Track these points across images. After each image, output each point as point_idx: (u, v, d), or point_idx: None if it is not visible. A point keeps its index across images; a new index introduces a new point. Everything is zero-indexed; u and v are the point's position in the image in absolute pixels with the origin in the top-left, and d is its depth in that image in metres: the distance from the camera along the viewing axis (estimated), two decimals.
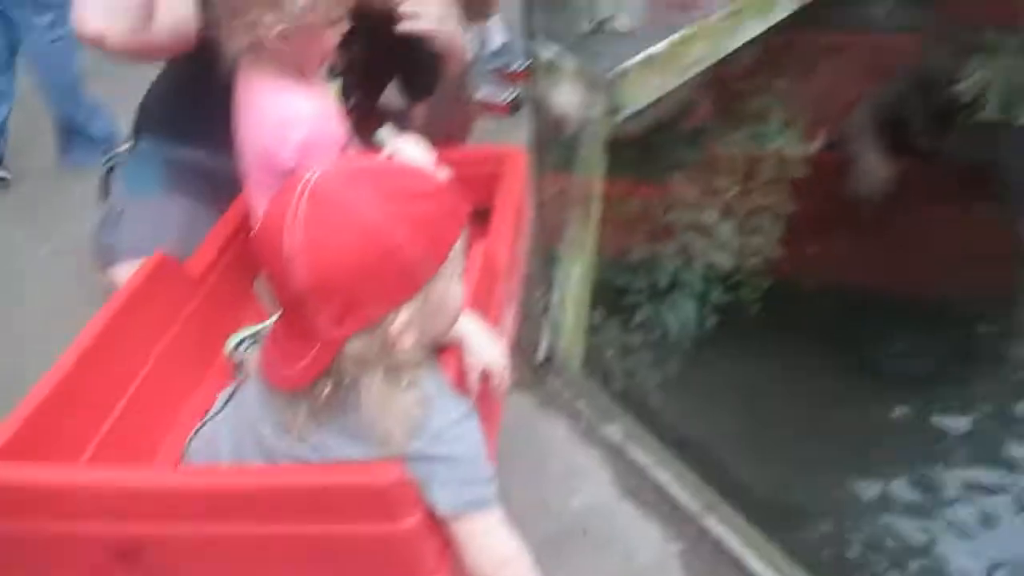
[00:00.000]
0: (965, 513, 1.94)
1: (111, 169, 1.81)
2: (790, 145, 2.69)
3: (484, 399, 1.24)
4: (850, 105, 2.55)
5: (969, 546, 1.88)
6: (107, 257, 1.62)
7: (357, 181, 0.90)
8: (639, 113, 2.43)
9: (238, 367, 1.59)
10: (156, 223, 1.67)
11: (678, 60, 2.28)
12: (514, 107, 3.11)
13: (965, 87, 2.27)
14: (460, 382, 1.20)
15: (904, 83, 2.40)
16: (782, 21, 2.37)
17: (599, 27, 2.86)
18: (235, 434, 1.09)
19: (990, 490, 1.99)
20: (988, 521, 1.93)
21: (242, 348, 1.60)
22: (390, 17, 1.65)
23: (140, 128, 1.87)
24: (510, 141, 2.85)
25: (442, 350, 1.13)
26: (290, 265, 0.87)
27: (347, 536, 0.98)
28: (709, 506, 1.70)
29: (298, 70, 1.46)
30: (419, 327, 0.94)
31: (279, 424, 1.01)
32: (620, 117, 2.24)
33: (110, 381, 1.39)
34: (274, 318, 1.60)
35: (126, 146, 1.89)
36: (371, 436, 0.97)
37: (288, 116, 1.41)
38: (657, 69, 2.24)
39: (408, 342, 0.93)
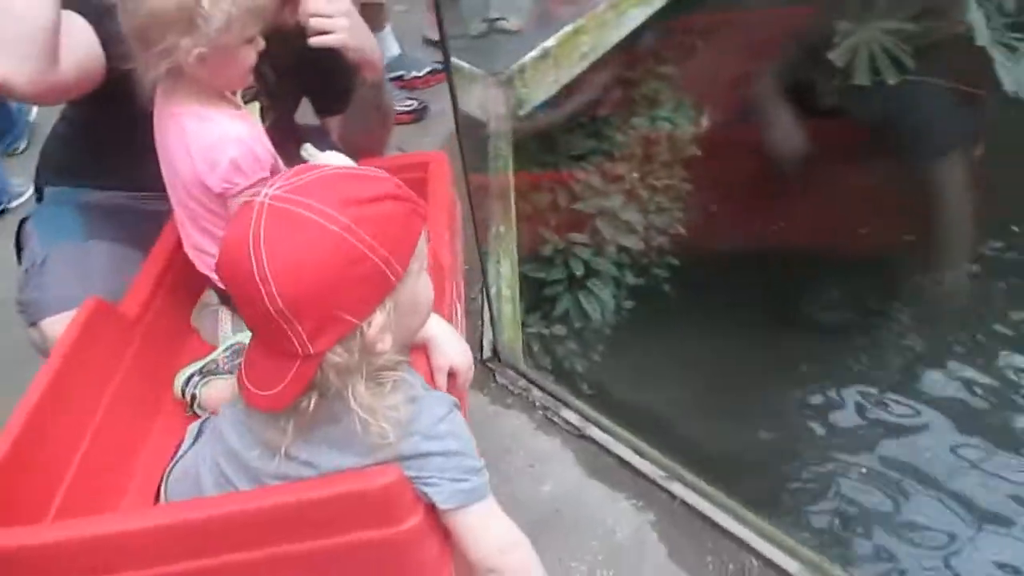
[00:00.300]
0: (898, 449, 2.05)
1: (23, 222, 1.73)
2: (694, 122, 2.79)
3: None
4: (747, 78, 2.66)
5: (905, 481, 1.99)
6: (35, 312, 1.55)
7: (310, 194, 0.90)
8: (548, 109, 2.49)
9: (191, 403, 1.56)
10: (80, 269, 1.61)
11: (570, 52, 2.35)
12: (416, 115, 3.13)
13: (837, 54, 2.39)
14: (429, 382, 1.22)
15: (793, 52, 2.52)
16: (667, 8, 2.46)
17: (490, 27, 2.93)
18: (217, 466, 1.07)
19: (920, 427, 2.11)
20: (919, 455, 2.05)
21: (192, 384, 1.56)
22: (300, 33, 1.64)
23: (45, 177, 1.80)
24: (418, 147, 2.88)
25: (410, 351, 1.14)
26: (263, 288, 0.86)
27: (353, 545, 0.98)
28: (672, 473, 1.76)
29: (219, 93, 1.44)
30: (395, 328, 0.95)
31: (265, 446, 0.99)
32: (523, 112, 2.30)
33: (63, 438, 1.33)
34: (222, 350, 1.60)
35: (30, 196, 1.82)
36: (362, 444, 0.97)
37: (215, 139, 1.39)
38: (552, 63, 2.30)
39: (386, 344, 0.94)
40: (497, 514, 1.06)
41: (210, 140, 1.39)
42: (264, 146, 1.46)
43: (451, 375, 1.26)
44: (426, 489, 1.00)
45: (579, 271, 2.51)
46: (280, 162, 1.56)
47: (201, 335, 1.72)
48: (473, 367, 1.29)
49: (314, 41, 1.63)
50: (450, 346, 1.23)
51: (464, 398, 1.37)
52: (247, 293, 0.89)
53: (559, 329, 2.46)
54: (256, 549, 0.96)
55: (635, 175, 2.72)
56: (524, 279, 2.20)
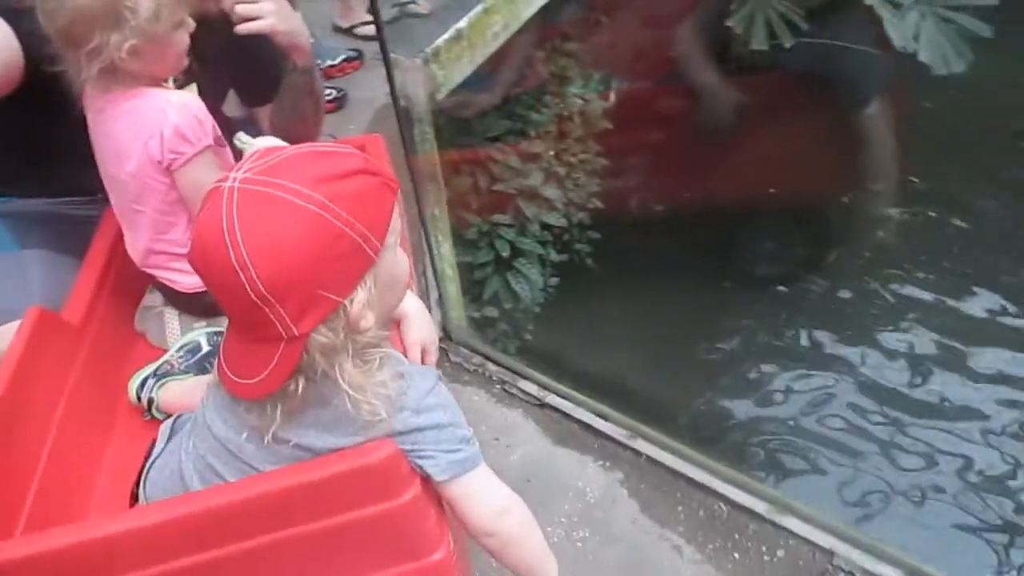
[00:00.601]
0: (842, 387, 2.14)
1: None
2: (609, 93, 2.83)
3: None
4: (663, 43, 2.70)
5: (846, 416, 2.09)
6: None
7: (281, 174, 0.88)
8: (468, 90, 2.50)
9: (148, 407, 1.51)
10: (15, 280, 1.54)
11: (483, 32, 2.35)
12: (337, 104, 3.09)
13: (735, 21, 2.46)
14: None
15: (711, 11, 2.57)
16: None
17: (401, 12, 2.91)
18: (203, 459, 1.04)
19: (859, 369, 2.20)
20: (860, 394, 2.14)
21: (147, 388, 1.52)
22: (225, 22, 1.60)
23: None
24: (343, 134, 2.84)
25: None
26: (243, 274, 0.84)
27: (353, 523, 0.98)
28: (635, 432, 1.80)
29: (155, 81, 1.40)
30: (376, 304, 0.94)
31: (254, 433, 0.98)
32: (441, 95, 2.29)
33: (21, 452, 1.28)
34: (175, 351, 1.56)
35: None
36: (352, 423, 0.96)
37: (157, 108, 1.36)
38: (466, 43, 2.30)
39: (369, 321, 0.93)
40: (491, 479, 1.07)
41: (151, 111, 1.36)
42: (206, 113, 1.43)
43: (424, 352, 1.26)
44: (421, 462, 1.00)
45: (505, 252, 2.52)
46: (226, 146, 1.54)
47: (148, 339, 1.67)
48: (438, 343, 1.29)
49: (241, 28, 1.59)
50: (422, 322, 1.23)
51: None
52: (225, 281, 0.86)
53: (490, 311, 2.47)
54: (256, 537, 0.95)
55: (552, 152, 2.75)
56: (456, 262, 2.21)
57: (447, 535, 1.06)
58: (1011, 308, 2.29)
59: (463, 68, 2.36)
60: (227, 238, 0.84)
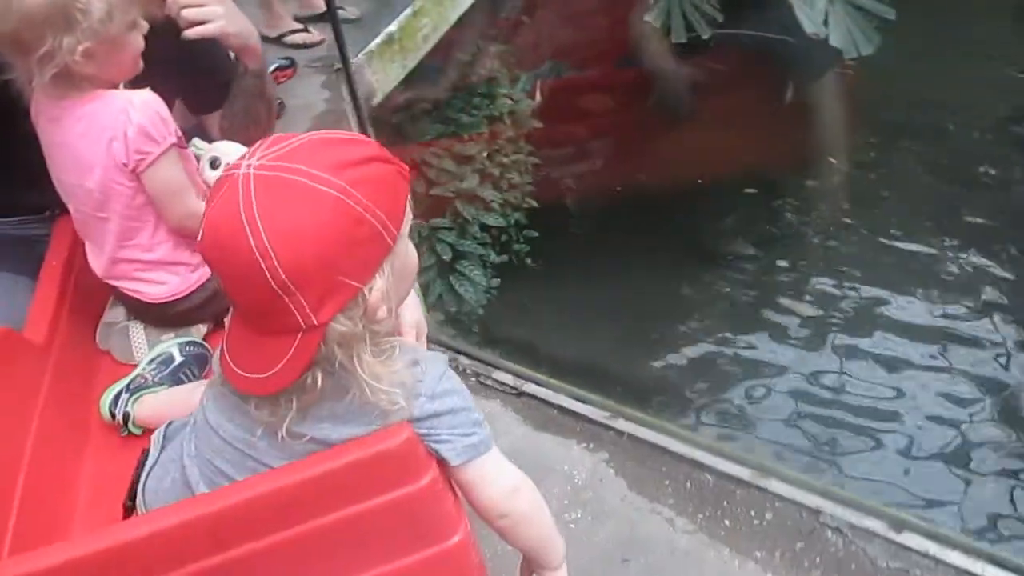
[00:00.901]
0: (811, 355, 2.19)
1: None
2: (540, 85, 2.85)
3: None
4: (601, 29, 2.74)
5: (820, 383, 2.14)
6: None
7: (298, 159, 0.85)
8: (404, 92, 2.49)
9: (124, 423, 1.46)
10: None
11: (413, 35, 2.36)
12: (278, 110, 3.02)
13: (654, 16, 2.52)
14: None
15: None
16: None
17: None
18: (210, 464, 1.00)
19: (823, 336, 2.26)
20: (829, 360, 2.20)
21: (121, 403, 1.47)
22: (171, 28, 1.56)
23: None
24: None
25: None
26: (263, 262, 0.82)
27: (372, 511, 0.96)
28: (614, 412, 1.81)
29: (110, 84, 1.36)
30: (392, 292, 0.92)
31: (267, 429, 0.95)
32: (376, 101, 2.28)
33: None
34: (146, 364, 1.51)
35: None
36: (368, 414, 0.94)
37: (118, 108, 1.32)
38: (397, 47, 2.30)
39: (386, 310, 0.91)
40: (503, 461, 1.07)
41: (112, 113, 1.33)
42: (168, 111, 1.39)
43: (417, 335, 1.25)
44: (437, 447, 0.99)
45: (447, 255, 2.52)
46: (187, 147, 1.50)
47: (114, 355, 1.61)
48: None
49: (190, 33, 1.55)
50: (414, 305, 1.22)
51: None
52: (243, 270, 0.83)
53: (436, 315, 2.47)
54: (276, 533, 0.92)
55: (483, 151, 2.76)
56: None
57: (464, 518, 1.05)
58: (952, 264, 2.40)
59: (396, 72, 2.36)
60: (246, 224, 0.82)
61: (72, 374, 1.51)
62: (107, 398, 1.47)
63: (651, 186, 2.54)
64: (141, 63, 1.39)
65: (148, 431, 1.41)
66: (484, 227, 2.62)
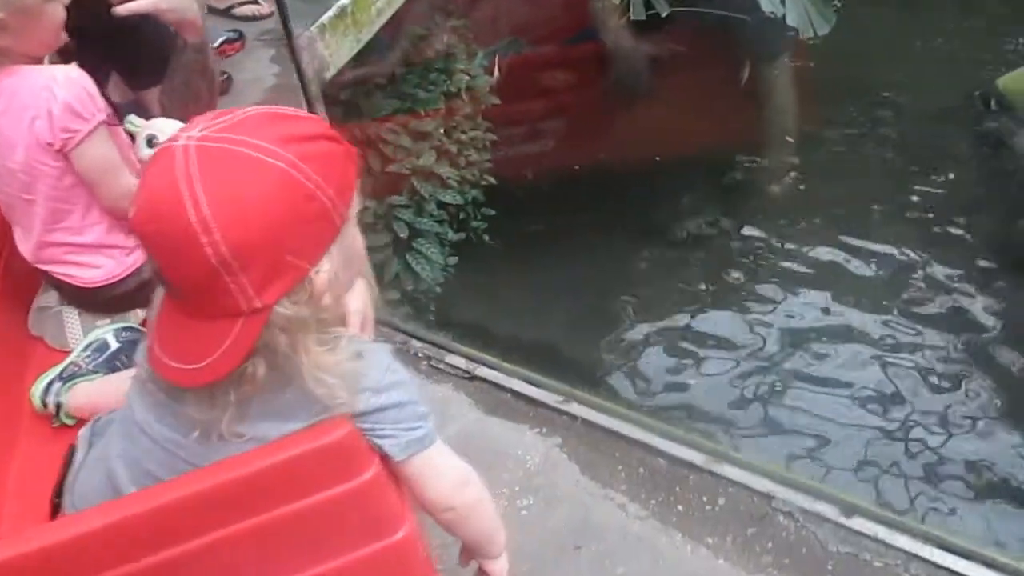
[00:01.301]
0: (768, 340, 2.18)
1: None
2: (500, 61, 2.80)
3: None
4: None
5: (774, 368, 2.13)
6: None
7: (243, 131, 0.80)
8: (356, 68, 2.42)
9: (56, 413, 1.40)
10: None
11: (367, 8, 2.29)
12: (223, 86, 2.93)
13: None
14: None
15: None
16: None
17: None
18: (136, 465, 0.94)
19: (787, 322, 2.25)
20: (789, 345, 2.19)
21: (53, 392, 1.41)
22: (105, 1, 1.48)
23: None
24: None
25: None
26: (204, 237, 0.76)
27: (313, 507, 0.92)
28: (567, 396, 1.79)
29: (30, 59, 1.29)
30: (340, 277, 0.87)
31: (200, 429, 0.89)
32: (329, 74, 2.22)
33: None
34: (80, 351, 1.45)
35: None
36: (308, 409, 0.89)
37: (41, 85, 1.26)
38: (350, 21, 2.24)
39: (332, 296, 0.86)
40: (448, 454, 1.04)
41: (34, 89, 1.26)
42: (95, 87, 1.33)
43: (364, 322, 1.21)
44: (380, 442, 0.95)
45: (403, 233, 2.48)
46: (118, 124, 1.43)
47: (47, 341, 1.55)
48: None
49: (120, 9, 1.47)
50: (361, 291, 1.18)
51: None
52: (181, 245, 0.77)
53: (392, 294, 2.43)
54: (213, 531, 0.88)
55: (440, 127, 2.71)
56: None
57: (409, 512, 1.02)
58: (907, 248, 2.42)
59: (349, 46, 2.29)
60: (186, 196, 0.76)
61: (1, 362, 1.45)
62: (38, 387, 1.41)
63: (609, 164, 2.51)
64: (64, 35, 1.32)
65: (81, 421, 1.36)
66: (441, 204, 2.58)
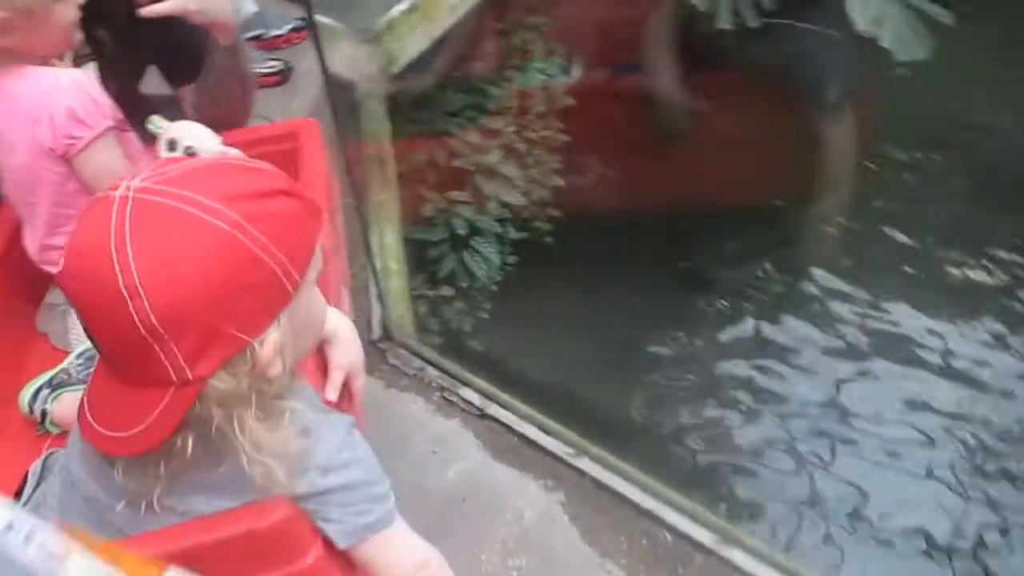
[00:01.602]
0: (809, 415, 2.01)
1: None
2: (570, 71, 2.70)
3: (347, 399, 1.14)
4: (630, 23, 2.58)
5: (816, 449, 1.96)
6: None
7: (188, 185, 0.73)
8: (421, 65, 2.36)
9: (41, 420, 1.37)
10: None
11: (439, 3, 2.21)
12: (282, 77, 2.91)
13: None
14: (318, 379, 1.09)
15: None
16: None
17: None
18: (71, 518, 0.89)
19: (832, 390, 2.07)
20: (831, 419, 2.02)
21: (41, 399, 1.38)
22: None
23: None
24: (285, 112, 2.68)
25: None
26: (131, 302, 0.70)
27: None
28: (580, 449, 1.70)
29: (40, 59, 1.25)
30: (289, 348, 0.80)
31: (129, 497, 0.83)
32: (394, 69, 2.15)
33: None
34: (73, 358, 1.42)
35: None
36: (247, 485, 0.82)
37: (46, 90, 1.21)
38: (420, 15, 2.16)
39: (279, 368, 0.79)
40: (405, 535, 0.95)
41: (37, 93, 1.21)
42: (103, 96, 1.28)
43: (350, 376, 1.13)
44: (324, 526, 0.88)
45: (462, 230, 2.41)
46: (129, 130, 1.39)
47: (51, 340, 1.52)
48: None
49: (144, 12, 1.43)
50: (348, 345, 1.10)
51: (359, 403, 1.25)
52: (106, 309, 0.71)
53: (446, 291, 2.36)
54: None
55: (511, 129, 2.63)
56: (407, 243, 2.07)
57: None
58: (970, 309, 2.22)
59: (418, 42, 2.22)
60: (114, 255, 0.70)
61: (2, 357, 1.42)
62: (27, 392, 1.38)
63: (650, 199, 2.37)
64: (77, 36, 1.27)
65: (65, 431, 1.33)
66: (504, 204, 2.51)
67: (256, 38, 3.03)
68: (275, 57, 2.94)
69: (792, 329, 2.13)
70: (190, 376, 0.74)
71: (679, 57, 2.44)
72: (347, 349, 1.11)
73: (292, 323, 0.80)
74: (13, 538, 0.60)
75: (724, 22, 2.28)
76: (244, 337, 0.75)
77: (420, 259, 2.33)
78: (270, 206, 0.76)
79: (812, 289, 2.24)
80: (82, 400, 0.82)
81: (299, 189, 0.81)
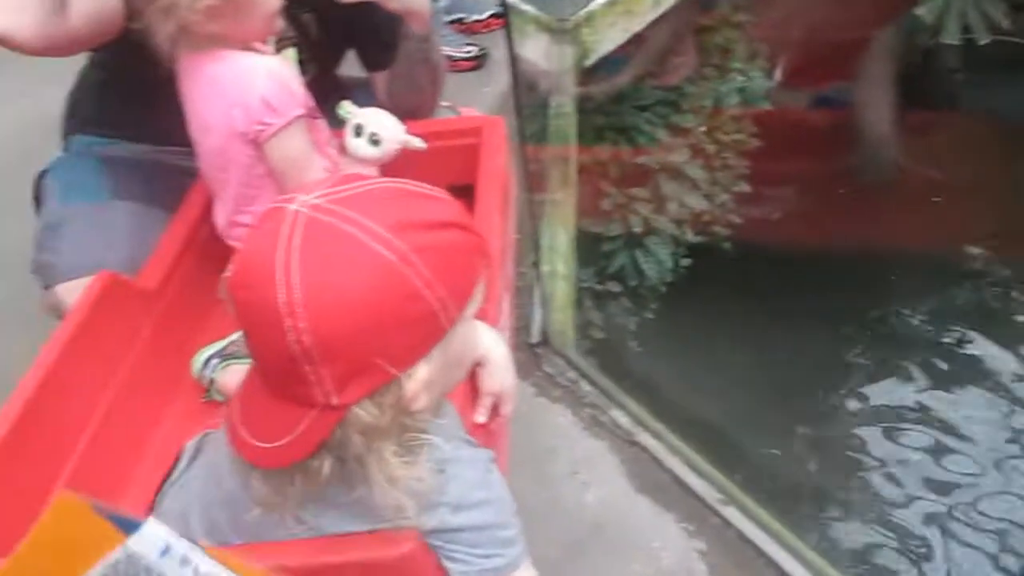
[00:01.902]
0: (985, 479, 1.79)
1: (43, 175, 1.61)
2: (771, 77, 2.55)
3: (494, 425, 1.11)
4: (853, 48, 2.38)
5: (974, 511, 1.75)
6: (49, 276, 1.44)
7: (359, 208, 0.73)
8: (615, 63, 2.29)
9: (208, 388, 1.45)
10: (99, 233, 1.48)
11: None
12: (477, 63, 2.92)
13: (926, 9, 2.13)
14: (467, 403, 1.07)
15: (907, 22, 2.24)
16: None
17: None
18: (209, 509, 0.92)
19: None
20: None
21: (210, 367, 1.45)
22: None
23: (70, 125, 1.67)
24: (476, 98, 2.69)
25: None
26: (287, 320, 0.70)
27: None
28: (729, 496, 1.59)
29: (243, 46, 1.29)
30: (437, 383, 0.79)
31: (265, 502, 0.84)
32: (589, 62, 2.10)
33: (68, 419, 1.24)
34: (238, 336, 1.47)
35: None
36: (378, 512, 0.82)
37: (240, 74, 1.25)
38: (621, 9, 2.09)
39: (424, 402, 0.77)
40: None
41: (234, 77, 1.26)
42: (298, 86, 1.32)
43: (498, 402, 1.10)
44: (449, 564, 0.86)
45: (638, 228, 2.34)
46: (320, 117, 1.43)
47: (228, 308, 1.60)
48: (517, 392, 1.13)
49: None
50: (503, 370, 1.08)
51: (506, 432, 1.23)
52: (265, 322, 0.72)
53: (613, 287, 2.30)
54: None
55: (703, 129, 2.51)
56: (580, 238, 2.02)
57: None
58: None
59: (615, 36, 2.17)
60: (280, 273, 0.70)
61: (180, 325, 1.50)
62: (200, 358, 1.46)
63: (842, 239, 2.17)
64: (279, 24, 1.30)
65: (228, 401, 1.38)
66: (683, 205, 2.42)
67: (456, 21, 3.06)
68: (472, 42, 2.95)
69: (973, 405, 1.90)
70: (335, 402, 0.73)
71: (897, 91, 2.23)
72: (499, 374, 1.08)
73: (444, 359, 0.78)
74: (168, 562, 0.61)
75: (951, 37, 2.07)
76: (393, 371, 0.74)
77: (591, 255, 2.28)
78: (440, 237, 0.75)
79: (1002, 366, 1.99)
80: (234, 398, 0.84)
81: (470, 223, 0.79)
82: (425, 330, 0.75)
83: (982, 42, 2.05)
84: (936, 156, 2.18)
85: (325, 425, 0.75)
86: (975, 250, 2.17)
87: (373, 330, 0.71)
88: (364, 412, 0.75)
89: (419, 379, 0.76)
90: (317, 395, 0.73)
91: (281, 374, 0.75)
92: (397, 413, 0.76)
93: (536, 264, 1.94)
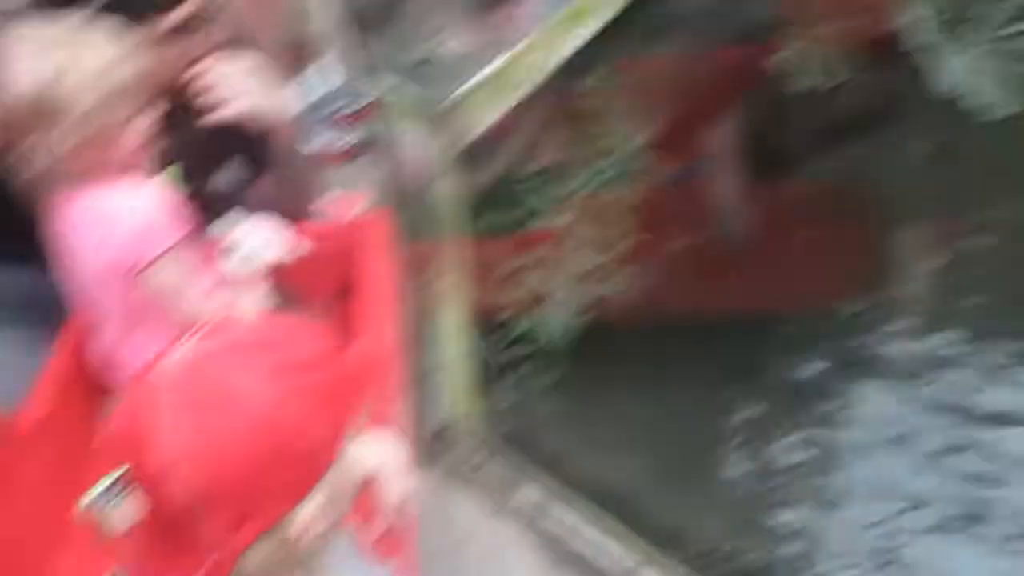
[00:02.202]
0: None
1: None
2: (642, 176, 2.66)
3: (396, 532, 1.11)
4: (706, 125, 2.53)
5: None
6: None
7: (234, 358, 0.76)
8: (488, 156, 2.37)
9: (101, 527, 1.39)
10: None
11: (511, 76, 2.24)
12: (355, 152, 2.95)
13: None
14: (370, 520, 1.07)
15: (771, 98, 2.40)
16: (617, 44, 2.36)
17: (426, 56, 2.79)
18: None
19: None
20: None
21: (101, 505, 1.39)
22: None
23: None
24: (355, 188, 2.70)
25: None
26: (170, 474, 0.71)
27: None
28: (645, 558, 1.63)
29: (118, 171, 1.29)
30: (329, 511, 0.80)
31: None
32: (466, 143, 2.17)
33: None
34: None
35: None
36: None
37: (114, 209, 1.25)
38: (493, 88, 2.19)
39: (318, 529, 0.79)
40: None
41: (105, 213, 1.25)
42: (172, 214, 1.32)
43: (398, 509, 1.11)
44: None
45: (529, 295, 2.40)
46: (198, 233, 1.43)
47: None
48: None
49: (211, 119, 1.47)
50: (398, 477, 1.08)
51: (412, 532, 1.23)
52: (145, 482, 0.74)
53: (518, 350, 2.35)
54: None
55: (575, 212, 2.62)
56: (471, 333, 2.05)
57: None
58: None
59: (490, 113, 2.27)
60: (158, 429, 0.72)
61: (65, 466, 1.44)
62: (88, 500, 1.40)
63: (719, 302, 2.30)
64: (150, 152, 1.31)
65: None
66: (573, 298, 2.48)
67: (336, 112, 3.08)
68: (353, 131, 2.99)
69: (862, 441, 2.01)
70: (229, 546, 0.75)
71: (746, 163, 2.39)
72: (394, 483, 1.09)
73: (331, 488, 0.79)
74: None
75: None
76: (280, 511, 0.75)
77: (488, 329, 2.32)
78: (310, 379, 0.77)
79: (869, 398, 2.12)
80: (128, 554, 0.83)
81: (341, 358, 0.82)
82: (308, 468, 0.77)
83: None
84: (779, 222, 2.33)
85: (222, 570, 0.76)
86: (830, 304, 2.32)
87: (256, 477, 0.73)
88: (258, 551, 0.76)
89: (308, 512, 0.77)
90: (207, 544, 0.74)
91: (173, 528, 0.75)
92: (292, 546, 0.78)
93: (428, 355, 1.96)
